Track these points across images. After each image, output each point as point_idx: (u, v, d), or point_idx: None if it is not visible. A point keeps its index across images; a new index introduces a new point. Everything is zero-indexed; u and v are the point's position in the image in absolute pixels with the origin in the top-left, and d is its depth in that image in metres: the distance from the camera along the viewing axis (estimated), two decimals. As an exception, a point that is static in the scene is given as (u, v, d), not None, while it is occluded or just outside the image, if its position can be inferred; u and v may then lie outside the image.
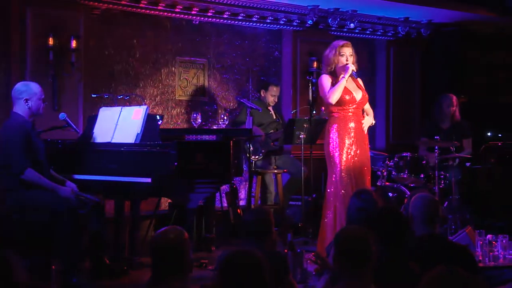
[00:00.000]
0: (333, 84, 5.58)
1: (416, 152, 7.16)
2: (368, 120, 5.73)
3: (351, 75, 5.62)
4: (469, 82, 9.93)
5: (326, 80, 5.62)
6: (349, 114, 5.61)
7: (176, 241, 2.98)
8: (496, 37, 9.34)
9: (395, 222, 3.49)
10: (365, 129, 5.70)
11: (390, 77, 8.91)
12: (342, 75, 5.57)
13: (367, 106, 5.84)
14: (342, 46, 5.61)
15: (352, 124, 5.61)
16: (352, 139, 5.60)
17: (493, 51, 9.73)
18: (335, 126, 5.61)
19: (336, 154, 5.58)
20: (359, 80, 5.77)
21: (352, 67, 5.58)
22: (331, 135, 5.62)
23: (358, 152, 5.61)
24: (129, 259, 5.32)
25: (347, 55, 5.61)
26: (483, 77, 10.22)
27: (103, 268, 5.07)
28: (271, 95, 7.14)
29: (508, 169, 7.85)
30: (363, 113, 5.79)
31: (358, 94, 5.66)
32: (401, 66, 8.97)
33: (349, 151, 5.58)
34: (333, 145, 5.61)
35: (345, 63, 5.59)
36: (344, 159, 5.56)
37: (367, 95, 5.77)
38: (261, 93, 7.22)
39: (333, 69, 5.65)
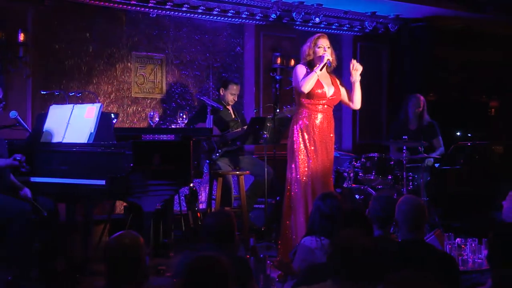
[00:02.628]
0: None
1: (383, 152, 7.24)
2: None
3: (327, 66, 5.70)
4: (438, 79, 10.09)
5: (301, 69, 5.70)
6: (319, 109, 5.67)
7: (132, 246, 2.97)
8: (466, 33, 9.51)
9: (359, 226, 3.53)
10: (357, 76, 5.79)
11: (357, 74, 9.00)
12: (317, 65, 5.65)
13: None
14: (318, 37, 5.72)
15: (318, 122, 5.66)
16: (316, 137, 5.64)
17: (463, 48, 9.91)
18: (300, 122, 5.66)
19: (298, 152, 5.63)
20: (337, 79, 5.84)
21: (328, 56, 5.64)
22: (295, 132, 5.66)
23: (320, 152, 5.65)
24: (81, 266, 5.27)
25: (324, 47, 5.70)
26: (452, 75, 10.41)
27: (53, 276, 5.01)
28: (231, 94, 7.15)
29: (477, 170, 8.00)
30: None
31: (330, 90, 5.73)
32: (368, 63, 9.02)
33: (311, 149, 5.63)
34: (296, 141, 5.65)
35: (320, 55, 5.67)
36: (305, 157, 5.61)
37: (340, 93, 5.82)
38: (220, 91, 7.23)
39: (309, 61, 5.71)
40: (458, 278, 3.63)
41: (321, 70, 5.66)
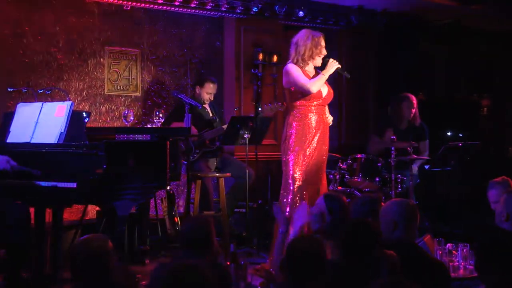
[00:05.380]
0: (305, 75, 5.78)
1: (370, 153, 7.27)
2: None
3: (339, 72, 5.96)
4: (427, 76, 10.14)
5: (296, 69, 5.78)
6: (312, 110, 5.77)
7: (99, 251, 2.97)
8: (456, 28, 9.57)
9: (366, 238, 3.51)
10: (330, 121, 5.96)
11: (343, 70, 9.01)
12: (326, 70, 5.79)
13: None
14: (321, 37, 5.86)
15: (314, 123, 5.77)
16: (312, 139, 5.74)
17: (453, 43, 9.97)
18: (294, 124, 5.77)
19: (293, 155, 5.71)
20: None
21: (337, 64, 5.82)
22: (290, 134, 5.75)
23: (316, 154, 5.76)
24: (51, 274, 5.24)
25: (324, 47, 5.86)
26: (442, 72, 10.46)
27: (21, 285, 4.97)
28: (207, 93, 7.16)
29: (469, 172, 8.04)
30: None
31: (324, 89, 5.87)
32: (354, 59, 9.09)
33: (308, 152, 5.72)
34: (291, 144, 5.73)
35: (323, 55, 5.83)
36: (302, 161, 5.70)
37: (332, 92, 5.97)
38: (196, 89, 7.24)
39: (304, 58, 5.79)
40: (448, 285, 3.67)
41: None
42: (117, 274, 3.03)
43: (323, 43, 5.84)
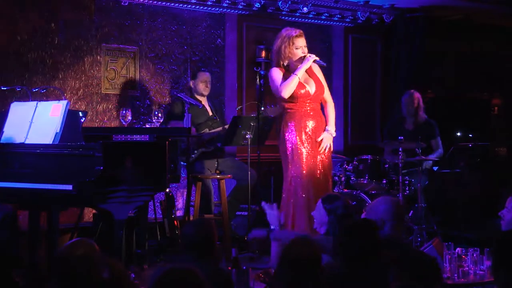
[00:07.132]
0: (285, 78, 5.74)
1: (377, 154, 7.26)
2: (326, 136, 5.86)
3: (316, 64, 5.88)
4: (436, 75, 10.14)
5: (277, 73, 5.83)
6: (307, 109, 5.81)
7: (85, 258, 2.94)
8: (466, 24, 9.57)
9: (368, 240, 3.50)
10: (326, 145, 5.83)
11: (349, 68, 9.03)
12: (299, 67, 5.78)
13: (331, 111, 5.98)
14: (296, 37, 5.83)
15: (310, 123, 5.79)
16: (311, 139, 5.76)
17: (463, 40, 9.96)
18: (291, 124, 5.79)
19: (293, 155, 5.73)
20: (317, 70, 5.94)
21: (313, 57, 5.79)
22: (287, 134, 5.78)
23: (316, 152, 5.78)
24: (46, 279, 5.23)
25: (302, 48, 5.84)
26: (451, 70, 10.45)
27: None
28: (201, 82, 7.14)
29: (479, 173, 8.03)
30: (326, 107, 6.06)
31: (312, 87, 5.87)
32: (360, 56, 9.10)
33: (308, 152, 5.74)
34: (290, 145, 5.75)
35: (300, 56, 5.82)
36: (304, 160, 5.73)
37: (323, 86, 5.97)
38: (191, 84, 7.24)
39: (286, 63, 5.80)
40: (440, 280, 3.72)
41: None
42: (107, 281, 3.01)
43: (299, 43, 5.82)
